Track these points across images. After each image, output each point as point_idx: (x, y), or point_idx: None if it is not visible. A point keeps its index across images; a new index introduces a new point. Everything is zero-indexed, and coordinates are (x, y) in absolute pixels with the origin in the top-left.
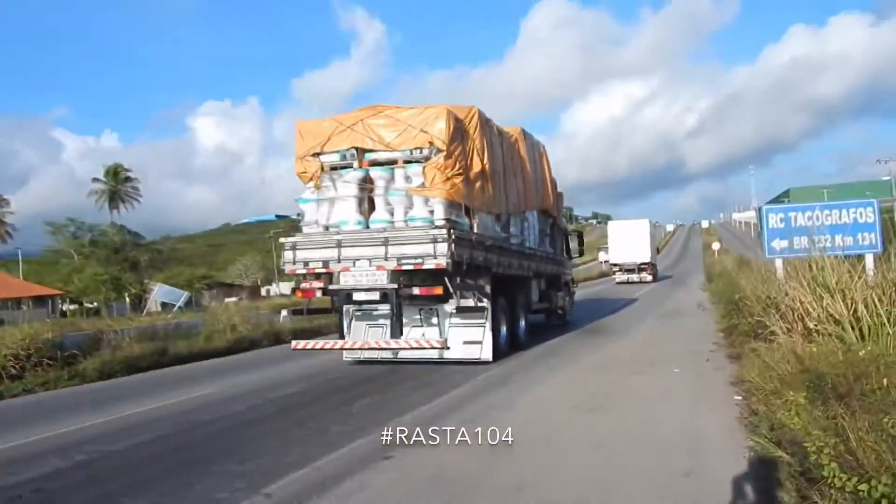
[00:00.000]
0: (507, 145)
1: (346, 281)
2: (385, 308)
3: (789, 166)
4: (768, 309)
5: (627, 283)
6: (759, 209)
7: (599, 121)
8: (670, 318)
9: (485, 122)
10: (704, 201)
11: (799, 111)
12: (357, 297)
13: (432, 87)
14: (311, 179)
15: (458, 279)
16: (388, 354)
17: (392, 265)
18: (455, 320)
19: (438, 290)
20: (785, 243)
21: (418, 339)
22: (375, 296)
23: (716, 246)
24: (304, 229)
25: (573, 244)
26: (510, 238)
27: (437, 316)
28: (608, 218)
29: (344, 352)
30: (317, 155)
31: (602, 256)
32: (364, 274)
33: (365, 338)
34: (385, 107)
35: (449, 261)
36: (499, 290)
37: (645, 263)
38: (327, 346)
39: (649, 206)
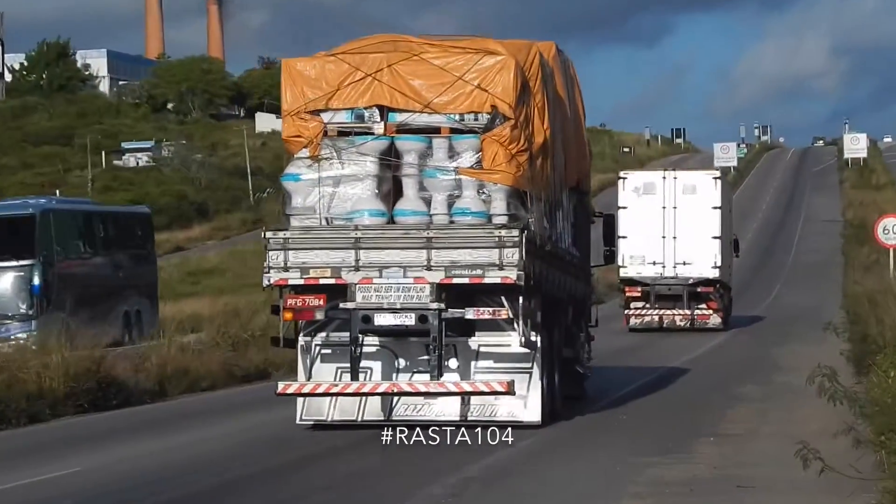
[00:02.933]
0: (553, 89)
1: (365, 297)
2: (373, 344)
3: None
4: None
5: (661, 328)
6: None
7: None
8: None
9: (545, 68)
10: (862, 66)
11: None
12: (380, 320)
13: None
14: (305, 147)
15: (522, 301)
16: (376, 414)
17: (437, 276)
18: (483, 364)
19: (503, 314)
20: None
21: (474, 381)
22: (409, 319)
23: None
24: (294, 220)
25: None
26: (553, 237)
27: (456, 355)
28: None
29: (299, 412)
30: (317, 112)
31: None
32: (395, 289)
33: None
34: (420, 43)
35: (521, 273)
36: (544, 320)
37: (708, 283)
38: (334, 390)
39: (667, 63)
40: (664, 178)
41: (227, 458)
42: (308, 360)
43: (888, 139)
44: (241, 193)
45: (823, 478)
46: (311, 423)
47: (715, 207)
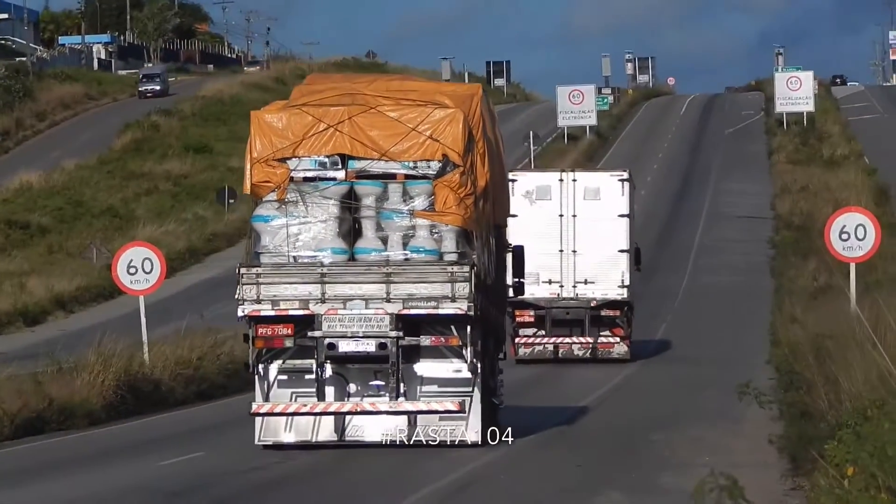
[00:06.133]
0: (488, 133)
1: (330, 326)
2: (326, 370)
3: None
4: None
5: (556, 359)
6: None
7: None
8: None
9: (484, 115)
10: None
11: None
12: (344, 348)
13: None
14: (273, 191)
15: (470, 330)
16: (329, 434)
17: (396, 308)
18: (428, 388)
19: (454, 341)
20: None
21: (429, 402)
22: (370, 346)
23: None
24: (264, 258)
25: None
26: (486, 271)
27: (403, 381)
28: None
29: (257, 434)
30: (284, 159)
31: None
32: (357, 319)
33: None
34: (375, 96)
35: (471, 304)
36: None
37: (614, 305)
38: (303, 410)
39: None
40: (561, 180)
41: None
42: (265, 386)
43: (854, 83)
44: None
45: None
46: (269, 443)
47: (622, 215)
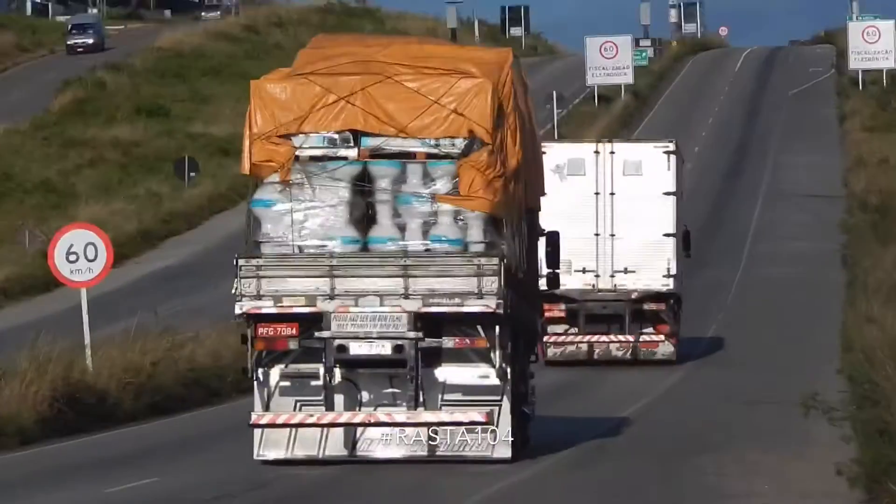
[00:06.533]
0: (520, 106)
1: (340, 326)
2: (335, 376)
3: None
4: None
5: (590, 360)
6: None
7: None
8: None
9: (516, 86)
10: None
11: None
12: (356, 350)
13: None
14: (276, 172)
15: (499, 330)
16: (338, 449)
17: (415, 305)
18: (451, 396)
19: (482, 343)
20: None
21: (452, 412)
22: (385, 349)
23: None
24: (265, 248)
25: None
26: (518, 262)
27: (423, 388)
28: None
29: (256, 447)
30: (288, 136)
31: None
32: (371, 318)
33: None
34: (391, 63)
35: (500, 301)
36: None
37: (658, 297)
38: (309, 420)
39: None
40: (597, 152)
41: None
42: (266, 393)
43: None
44: None
45: None
46: (270, 458)
47: (667, 193)
